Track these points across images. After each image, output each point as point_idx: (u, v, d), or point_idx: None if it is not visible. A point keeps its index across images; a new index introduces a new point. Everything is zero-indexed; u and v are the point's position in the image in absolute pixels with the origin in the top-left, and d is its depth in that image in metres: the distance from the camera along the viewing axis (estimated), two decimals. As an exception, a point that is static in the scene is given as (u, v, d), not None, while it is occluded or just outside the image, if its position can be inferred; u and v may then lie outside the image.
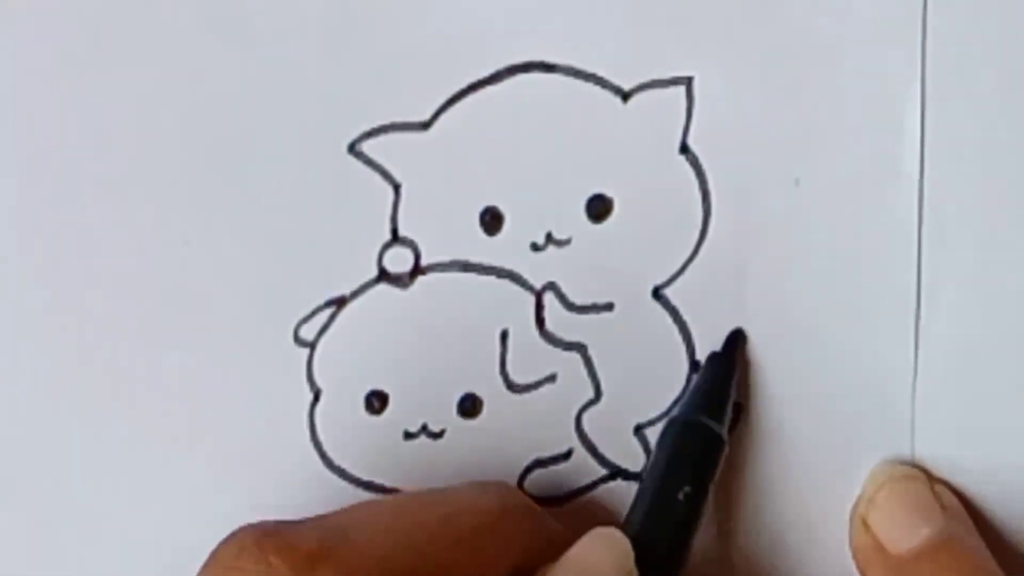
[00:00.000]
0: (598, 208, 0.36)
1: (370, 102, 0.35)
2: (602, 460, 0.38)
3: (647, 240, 0.36)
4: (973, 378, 0.37)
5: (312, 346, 0.37)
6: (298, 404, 0.37)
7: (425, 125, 0.35)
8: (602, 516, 0.37)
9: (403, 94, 0.35)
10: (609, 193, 0.36)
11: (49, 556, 0.38)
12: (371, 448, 0.37)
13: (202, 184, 0.35)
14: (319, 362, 0.37)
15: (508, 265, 0.37)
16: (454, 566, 0.33)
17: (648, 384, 0.37)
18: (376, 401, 0.37)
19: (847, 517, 0.37)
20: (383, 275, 0.36)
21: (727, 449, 0.37)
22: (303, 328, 0.36)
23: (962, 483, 0.37)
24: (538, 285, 0.37)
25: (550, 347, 0.37)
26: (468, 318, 0.37)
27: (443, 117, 0.35)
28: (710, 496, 0.36)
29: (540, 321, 0.37)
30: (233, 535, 0.32)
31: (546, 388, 0.37)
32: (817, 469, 0.38)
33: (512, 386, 0.37)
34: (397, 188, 0.36)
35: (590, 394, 0.38)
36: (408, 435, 0.37)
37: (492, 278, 0.37)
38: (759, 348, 0.37)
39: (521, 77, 0.35)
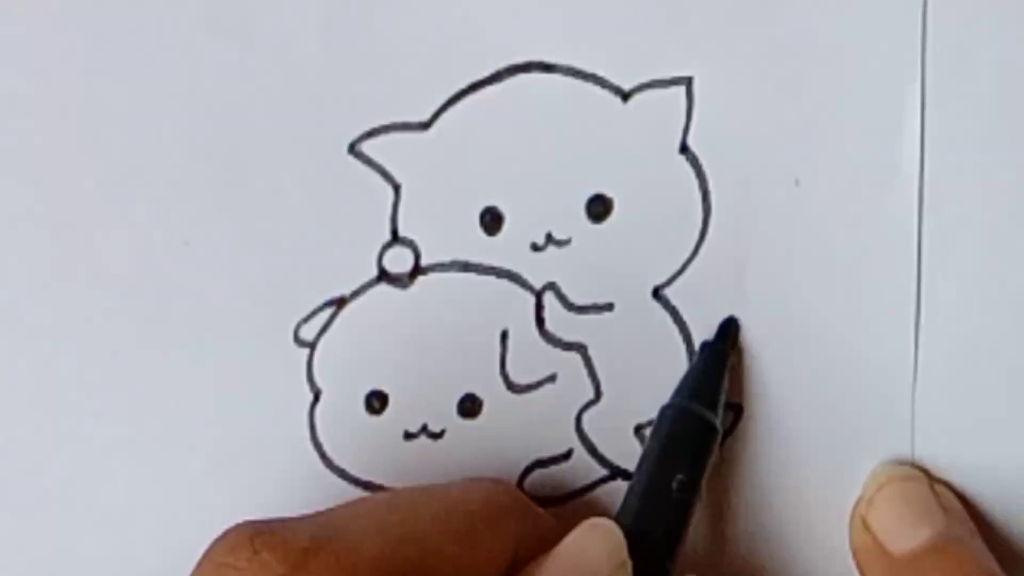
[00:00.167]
0: (598, 208, 0.36)
1: (370, 102, 0.35)
2: (602, 460, 0.38)
3: (647, 240, 0.36)
4: (973, 378, 0.37)
5: (312, 346, 0.37)
6: (298, 404, 0.37)
7: (425, 125, 0.35)
8: (602, 516, 0.37)
9: (403, 94, 0.35)
10: (609, 193, 0.36)
11: (49, 556, 0.38)
12: (371, 448, 0.37)
13: (202, 184, 0.35)
14: (319, 362, 0.37)
15: (508, 265, 0.37)
16: (448, 561, 0.33)
17: (648, 384, 0.37)
18: (376, 401, 0.37)
19: (847, 517, 0.37)
20: (383, 275, 0.36)
21: (720, 437, 0.37)
22: (303, 328, 0.36)
23: (962, 483, 0.37)
24: (538, 285, 0.37)
25: (550, 347, 0.37)
26: (468, 318, 0.37)
27: (443, 117, 0.35)
28: (703, 486, 0.36)
29: (540, 321, 0.37)
30: (226, 532, 0.32)
31: (546, 388, 0.37)
32: (817, 469, 0.38)
33: (512, 386, 0.37)
34: (397, 188, 0.36)
35: (590, 394, 0.38)
36: (408, 435, 0.37)
37: (492, 278, 0.37)
38: (759, 348, 0.37)
39: (521, 77, 0.35)
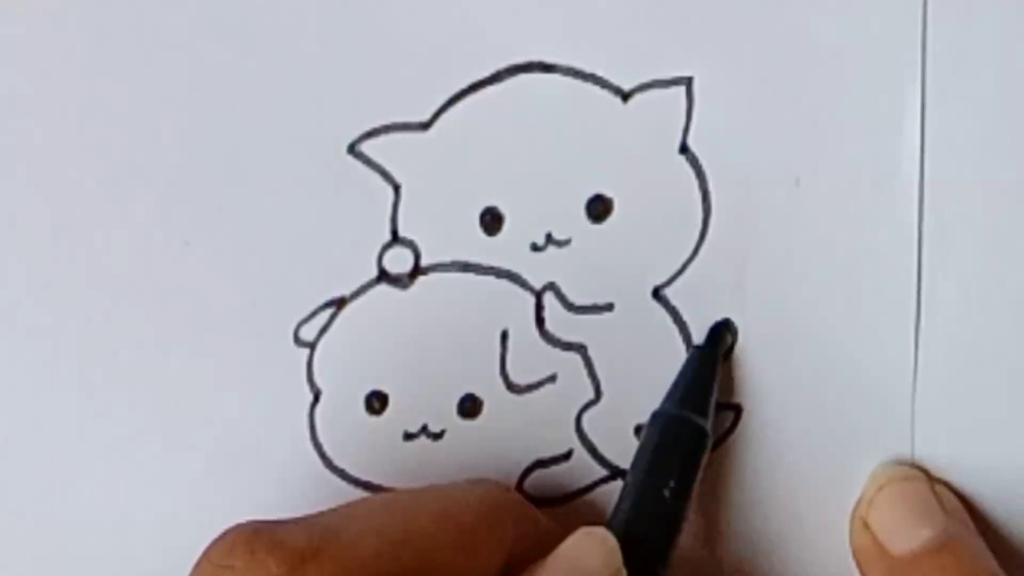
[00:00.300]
0: (598, 208, 0.36)
1: (370, 102, 0.35)
2: (602, 461, 0.38)
3: (647, 240, 0.36)
4: (973, 378, 0.37)
5: (312, 347, 0.37)
6: (298, 405, 0.37)
7: (425, 125, 0.35)
8: (602, 516, 0.37)
9: (403, 94, 0.35)
10: (609, 193, 0.36)
11: (49, 556, 0.38)
12: (371, 449, 0.37)
13: (202, 184, 0.35)
14: (319, 363, 0.37)
15: (508, 265, 0.37)
16: (445, 563, 0.33)
17: (648, 384, 0.37)
18: (376, 402, 0.37)
19: (847, 517, 0.37)
20: (383, 275, 0.36)
21: (711, 443, 0.36)
22: (303, 329, 0.36)
23: (962, 483, 0.37)
24: (538, 285, 0.37)
25: (550, 347, 0.37)
26: (468, 319, 0.37)
27: (443, 117, 0.35)
28: (695, 491, 0.36)
29: (540, 321, 0.37)
30: (224, 533, 0.32)
31: (546, 388, 0.37)
32: (817, 469, 0.38)
33: (512, 387, 0.37)
34: (397, 188, 0.36)
35: (590, 395, 0.38)
36: (408, 436, 0.37)
37: (492, 278, 0.37)
38: (759, 348, 0.37)
39: (521, 77, 0.35)
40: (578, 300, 0.37)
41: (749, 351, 0.37)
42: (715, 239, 0.36)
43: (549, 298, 0.37)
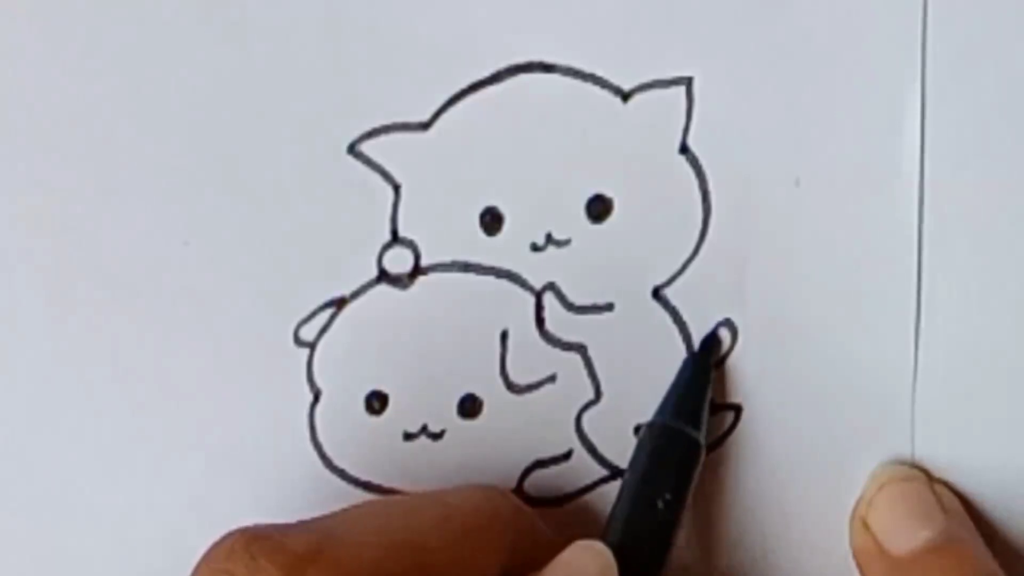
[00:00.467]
0: (598, 208, 0.36)
1: (370, 102, 0.35)
2: (602, 461, 0.38)
3: (647, 240, 0.36)
4: (973, 378, 0.37)
5: (312, 347, 0.37)
6: (298, 405, 0.37)
7: (425, 125, 0.35)
8: (602, 516, 0.37)
9: (403, 94, 0.35)
10: (609, 193, 0.36)
11: (49, 556, 0.38)
12: (371, 449, 0.37)
13: (202, 184, 0.35)
14: (319, 363, 0.37)
15: (508, 265, 0.37)
16: (444, 568, 0.33)
17: (648, 384, 0.37)
18: (376, 402, 0.37)
19: (847, 517, 0.37)
20: (383, 275, 0.36)
21: (704, 454, 0.36)
22: (303, 329, 0.36)
23: (962, 483, 0.37)
24: (538, 285, 0.37)
25: (550, 347, 0.37)
26: (468, 319, 0.37)
27: (443, 117, 0.35)
28: (688, 502, 0.36)
29: (540, 321, 0.37)
30: (224, 538, 0.32)
31: (546, 389, 0.37)
32: (817, 469, 0.38)
33: (512, 387, 0.37)
34: (397, 188, 0.36)
35: (590, 395, 0.38)
36: (408, 436, 0.37)
37: (492, 278, 0.37)
38: (759, 348, 0.37)
39: (521, 77, 0.35)
40: (578, 300, 0.37)
41: (749, 351, 0.37)
42: (715, 239, 0.36)
43: (549, 298, 0.37)
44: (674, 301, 0.37)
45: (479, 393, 0.37)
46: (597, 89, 0.35)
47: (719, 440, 0.38)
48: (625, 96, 0.35)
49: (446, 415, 0.37)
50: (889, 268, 0.36)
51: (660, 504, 0.35)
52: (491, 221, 0.36)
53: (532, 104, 0.35)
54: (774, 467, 0.38)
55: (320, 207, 0.36)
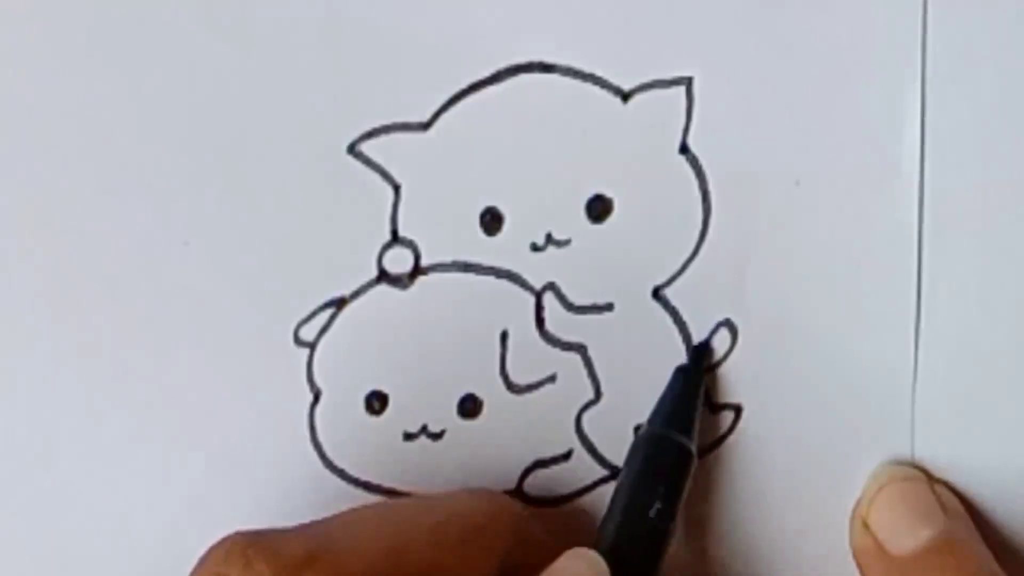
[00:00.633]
0: (598, 208, 0.36)
1: (370, 102, 0.35)
2: (602, 461, 0.38)
3: (647, 240, 0.36)
4: (973, 378, 0.37)
5: (312, 347, 0.37)
6: (298, 405, 0.37)
7: (425, 125, 0.35)
8: (602, 516, 0.37)
9: (403, 94, 0.35)
10: (609, 193, 0.36)
11: (49, 556, 0.38)
12: (371, 449, 0.37)
13: (202, 184, 0.35)
14: (319, 363, 0.37)
15: (508, 265, 0.37)
16: (440, 572, 0.33)
17: (648, 384, 0.37)
18: (376, 402, 0.37)
19: (847, 517, 0.37)
20: (383, 276, 0.36)
21: (696, 462, 0.36)
22: (303, 329, 0.36)
23: (962, 483, 0.37)
24: (538, 285, 0.37)
25: (550, 348, 0.37)
26: (468, 319, 0.37)
27: (443, 117, 0.35)
28: (681, 510, 0.36)
29: (540, 322, 0.37)
30: (221, 542, 0.33)
31: (546, 389, 0.37)
32: (817, 469, 0.38)
33: (512, 387, 0.37)
34: (397, 188, 0.36)
35: (590, 395, 0.38)
36: (408, 436, 0.37)
37: (492, 279, 0.37)
38: (759, 348, 0.37)
39: (521, 77, 0.35)
40: (578, 300, 0.37)
41: (749, 351, 0.37)
42: (715, 239, 0.36)
43: (549, 298, 0.37)
44: (674, 301, 0.37)
45: (479, 393, 0.37)
46: (597, 89, 0.35)
47: (719, 440, 0.38)
48: (625, 96, 0.35)
49: (446, 415, 0.37)
50: (889, 268, 0.36)
51: (652, 513, 0.35)
52: (491, 221, 0.36)
53: (532, 104, 0.35)
54: (774, 467, 0.38)
55: (320, 207, 0.36)
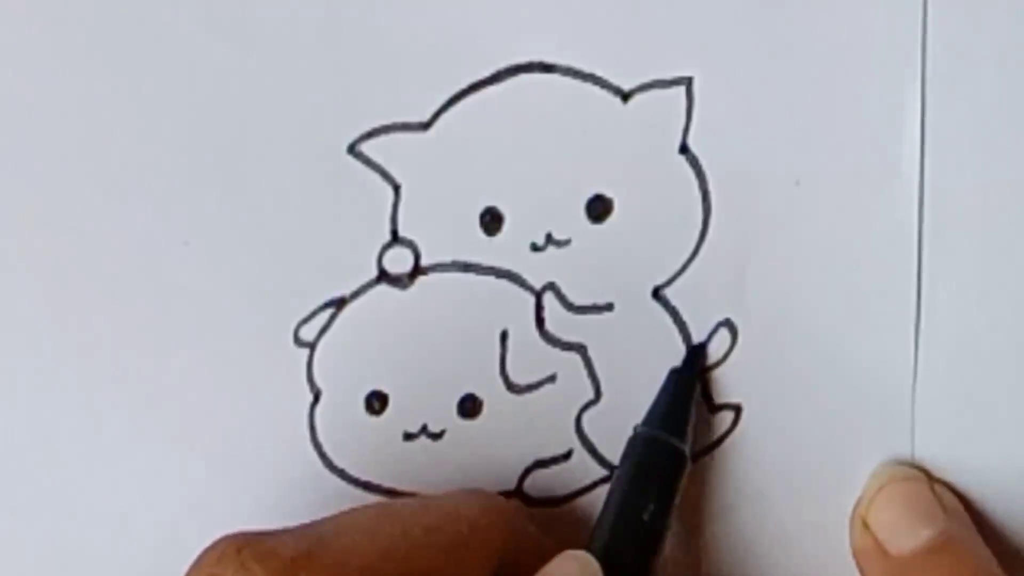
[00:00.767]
0: (598, 208, 0.36)
1: (370, 102, 0.35)
2: (602, 461, 0.38)
3: (647, 240, 0.36)
4: (973, 378, 0.37)
5: (312, 347, 0.37)
6: (298, 405, 0.37)
7: (425, 125, 0.35)
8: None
9: (403, 94, 0.35)
10: (609, 193, 0.36)
11: (49, 556, 0.38)
12: (371, 449, 0.37)
13: (202, 184, 0.35)
14: (319, 363, 0.37)
15: (508, 266, 0.37)
16: (436, 574, 0.33)
17: (648, 384, 0.37)
18: (376, 402, 0.37)
19: (847, 517, 0.37)
20: (383, 276, 0.36)
21: (689, 465, 0.37)
22: (303, 329, 0.36)
23: (962, 483, 0.37)
24: (538, 285, 0.37)
25: (550, 348, 0.37)
26: (468, 319, 0.37)
27: (443, 117, 0.35)
28: (674, 513, 0.36)
29: (540, 322, 0.37)
30: (215, 543, 0.33)
31: (546, 389, 0.37)
32: (817, 469, 0.38)
33: (512, 387, 0.37)
34: (397, 188, 0.36)
35: (590, 395, 0.38)
36: (408, 436, 0.37)
37: (492, 279, 0.37)
38: (759, 348, 0.37)
39: (521, 77, 0.35)
40: (578, 300, 0.37)
41: (749, 351, 0.37)
42: (715, 239, 0.36)
43: (549, 298, 0.37)
44: (674, 301, 0.37)
45: (479, 393, 0.37)
46: (597, 89, 0.35)
47: (719, 440, 0.38)
48: (625, 96, 0.35)
49: (446, 415, 0.37)
50: (889, 268, 0.36)
51: (645, 515, 0.35)
52: (491, 221, 0.36)
53: (532, 104, 0.35)
54: (774, 467, 0.38)
55: (320, 207, 0.36)
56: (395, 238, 0.36)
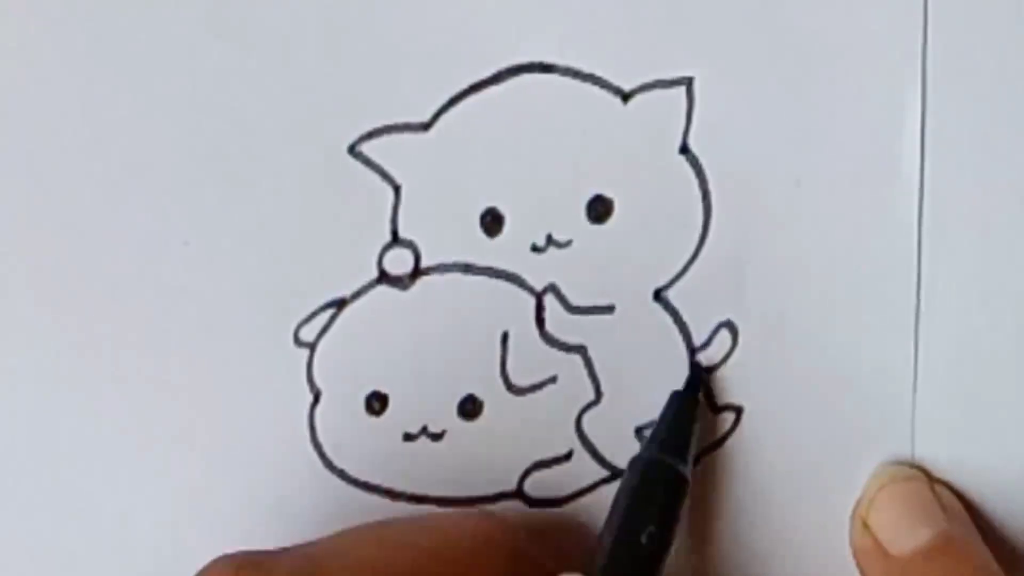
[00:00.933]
0: (598, 209, 0.36)
1: (370, 102, 0.35)
2: (602, 461, 0.38)
3: (648, 241, 0.36)
4: (973, 378, 0.37)
5: (312, 347, 0.37)
6: (298, 405, 0.37)
7: (425, 126, 0.35)
8: (602, 517, 0.37)
9: (403, 94, 0.35)
10: (609, 194, 0.36)
11: (49, 556, 0.38)
12: (371, 450, 0.37)
13: (202, 184, 0.35)
14: (319, 363, 0.37)
15: (508, 267, 0.37)
16: None
17: (649, 386, 0.37)
18: (376, 402, 0.37)
19: (847, 518, 0.37)
20: (383, 276, 0.36)
21: (689, 487, 0.36)
22: (303, 329, 0.36)
23: (962, 483, 0.37)
24: (538, 287, 0.37)
25: (550, 349, 0.37)
26: (468, 320, 0.37)
27: (443, 118, 0.35)
28: (674, 537, 0.36)
29: (540, 323, 0.37)
30: (213, 562, 0.33)
31: (547, 390, 0.37)
32: (817, 470, 0.38)
33: (512, 388, 0.37)
34: (397, 189, 0.36)
35: (590, 396, 0.38)
36: (408, 437, 0.37)
37: (492, 279, 0.37)
38: (759, 348, 0.37)
39: (521, 78, 0.35)
40: (578, 301, 0.37)
41: (749, 351, 0.37)
42: (716, 240, 0.36)
43: (549, 299, 0.37)
44: (675, 302, 0.37)
45: (479, 394, 0.37)
46: (597, 89, 0.35)
47: (719, 441, 0.38)
48: (625, 96, 0.35)
49: (446, 416, 0.37)
50: (889, 268, 0.36)
51: (644, 538, 0.35)
52: (491, 222, 0.36)
53: (532, 104, 0.35)
54: (774, 467, 0.38)
55: (320, 207, 0.36)
56: (395, 239, 0.36)
